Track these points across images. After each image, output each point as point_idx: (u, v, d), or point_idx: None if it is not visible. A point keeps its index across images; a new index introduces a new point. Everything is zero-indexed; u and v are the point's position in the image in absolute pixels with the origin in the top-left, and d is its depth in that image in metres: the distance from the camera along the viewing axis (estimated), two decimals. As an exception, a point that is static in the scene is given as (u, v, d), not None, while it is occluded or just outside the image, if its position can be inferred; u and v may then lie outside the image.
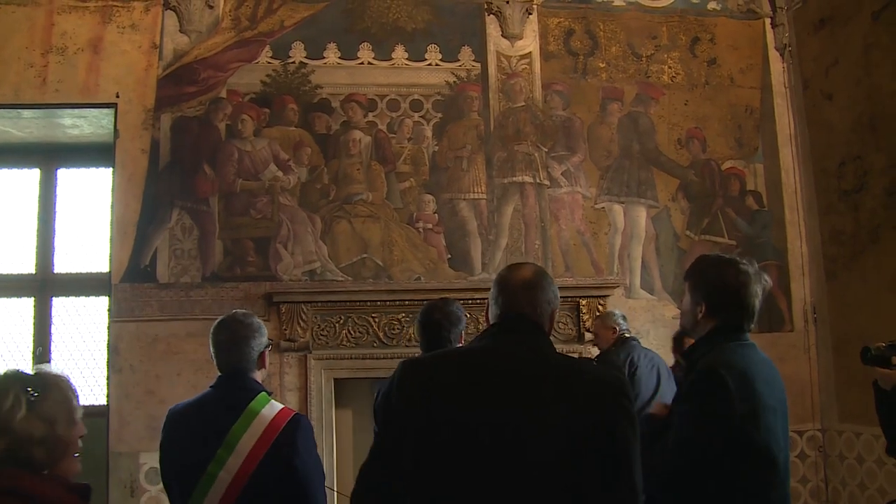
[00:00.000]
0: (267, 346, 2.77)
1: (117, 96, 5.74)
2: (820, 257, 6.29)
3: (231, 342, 2.68)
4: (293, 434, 2.52)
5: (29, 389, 1.68)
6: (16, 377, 1.70)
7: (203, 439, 2.53)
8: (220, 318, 2.79)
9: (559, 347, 5.68)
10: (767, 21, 6.57)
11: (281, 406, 2.64)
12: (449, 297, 5.41)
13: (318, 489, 2.47)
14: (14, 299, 6.41)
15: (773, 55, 6.55)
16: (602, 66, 6.31)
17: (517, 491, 1.78)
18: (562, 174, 6.09)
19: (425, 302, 5.33)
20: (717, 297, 2.49)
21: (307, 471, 2.47)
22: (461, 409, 1.85)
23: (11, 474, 1.63)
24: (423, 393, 1.90)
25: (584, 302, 5.79)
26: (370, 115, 5.98)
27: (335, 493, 5.30)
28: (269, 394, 2.70)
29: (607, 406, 1.85)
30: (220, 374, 2.71)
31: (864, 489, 5.69)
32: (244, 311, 2.86)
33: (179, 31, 5.86)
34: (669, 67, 6.40)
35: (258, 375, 2.72)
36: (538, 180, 6.04)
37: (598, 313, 5.64)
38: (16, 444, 1.63)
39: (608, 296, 5.88)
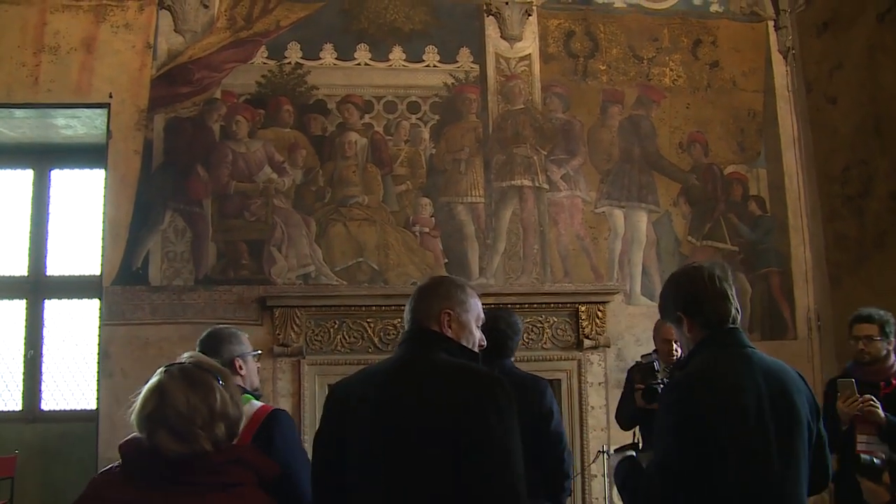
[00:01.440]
0: (240, 355, 2.95)
1: (110, 96, 5.67)
2: (824, 263, 6.19)
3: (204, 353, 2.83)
4: (270, 427, 2.64)
5: (219, 378, 1.88)
6: (204, 368, 1.89)
7: None
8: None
9: (557, 354, 5.64)
10: (770, 23, 6.48)
11: (260, 404, 2.76)
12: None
13: (302, 476, 2.48)
14: (6, 301, 6.33)
15: (777, 58, 6.46)
16: (602, 68, 6.22)
17: (408, 497, 1.95)
18: (561, 178, 6.00)
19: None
20: (683, 304, 2.44)
21: (286, 459, 2.50)
22: (361, 422, 2.04)
23: (236, 448, 1.89)
24: (334, 413, 2.14)
25: (583, 308, 5.70)
26: (367, 116, 5.90)
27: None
28: (258, 396, 2.89)
29: (474, 402, 1.97)
30: None
31: None
32: (226, 326, 3.12)
33: (174, 30, 5.78)
34: (671, 70, 6.31)
35: (237, 381, 2.83)
36: (537, 184, 5.94)
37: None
38: (230, 427, 1.86)
39: (608, 302, 5.78)
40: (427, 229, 5.78)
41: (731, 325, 2.39)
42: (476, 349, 2.21)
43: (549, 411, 3.36)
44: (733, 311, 2.39)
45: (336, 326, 5.55)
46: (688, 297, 2.43)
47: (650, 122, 6.21)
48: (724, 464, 2.23)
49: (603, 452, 5.41)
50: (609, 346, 5.76)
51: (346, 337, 5.55)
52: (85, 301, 6.25)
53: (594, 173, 6.07)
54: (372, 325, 5.56)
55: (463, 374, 2.06)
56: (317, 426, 2.23)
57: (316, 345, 5.52)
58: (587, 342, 5.69)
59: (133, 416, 1.85)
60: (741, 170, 6.28)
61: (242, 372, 2.93)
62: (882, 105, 5.61)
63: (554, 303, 5.68)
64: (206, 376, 1.87)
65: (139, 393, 1.86)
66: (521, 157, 5.96)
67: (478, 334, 2.23)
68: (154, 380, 1.86)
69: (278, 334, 5.48)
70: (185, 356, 1.95)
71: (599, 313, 5.72)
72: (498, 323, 3.46)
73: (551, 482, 3.34)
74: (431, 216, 5.81)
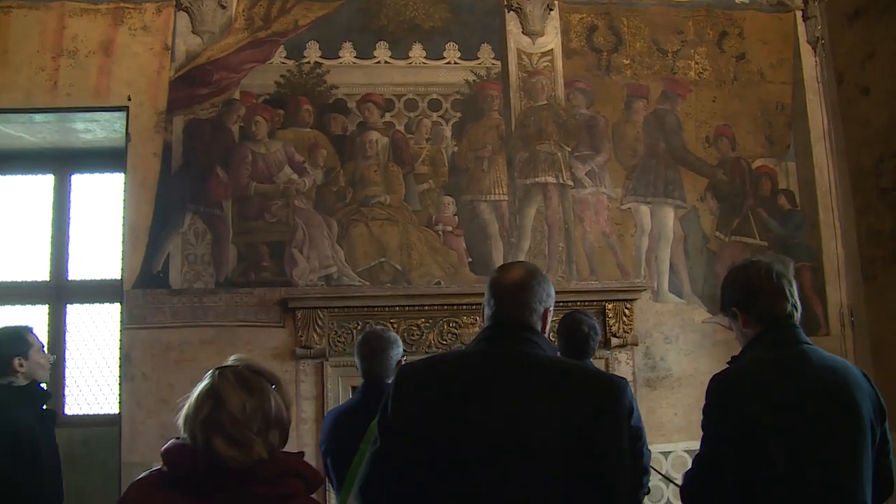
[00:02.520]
0: (403, 356, 3.42)
1: (129, 99, 5.63)
2: (857, 258, 5.98)
3: (371, 353, 3.35)
4: None
5: (272, 383, 1.85)
6: (257, 371, 1.84)
7: (356, 434, 2.81)
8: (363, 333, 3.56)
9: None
10: (798, 14, 6.33)
11: None
12: (469, 301, 5.33)
13: None
14: (29, 307, 6.31)
15: (805, 49, 6.31)
16: (626, 62, 6.11)
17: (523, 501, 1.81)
18: (586, 174, 5.89)
19: (445, 304, 5.16)
20: (738, 298, 2.43)
21: None
22: (452, 416, 1.87)
23: (290, 458, 1.84)
24: (430, 400, 1.93)
25: (610, 306, 5.59)
26: (387, 115, 5.82)
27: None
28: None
29: (592, 415, 1.86)
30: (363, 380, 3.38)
31: None
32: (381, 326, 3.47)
33: (192, 32, 5.74)
34: (696, 63, 6.18)
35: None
36: (561, 181, 5.84)
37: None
38: (283, 433, 1.83)
39: (635, 299, 5.67)
40: (450, 228, 5.69)
41: (788, 321, 2.34)
42: None
43: (630, 407, 3.40)
44: (789, 307, 2.34)
45: (359, 328, 5.45)
46: (742, 291, 2.41)
47: (676, 116, 6.08)
48: (767, 461, 2.18)
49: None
50: (637, 345, 5.65)
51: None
52: (106, 305, 6.21)
53: (619, 169, 5.95)
54: (395, 325, 5.47)
55: (589, 376, 1.99)
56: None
57: (339, 346, 5.45)
58: (615, 340, 5.57)
59: (182, 420, 1.79)
60: (770, 164, 6.14)
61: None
62: (917, 94, 5.46)
63: (580, 301, 5.54)
64: (261, 380, 1.82)
65: (188, 397, 1.81)
66: (544, 154, 5.86)
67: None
68: (206, 383, 1.80)
69: (300, 336, 5.42)
70: (232, 359, 1.90)
71: (627, 311, 5.61)
72: (581, 325, 3.64)
73: (631, 478, 3.36)
74: (454, 215, 5.71)
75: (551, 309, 2.08)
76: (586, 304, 5.57)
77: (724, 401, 2.26)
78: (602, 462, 1.84)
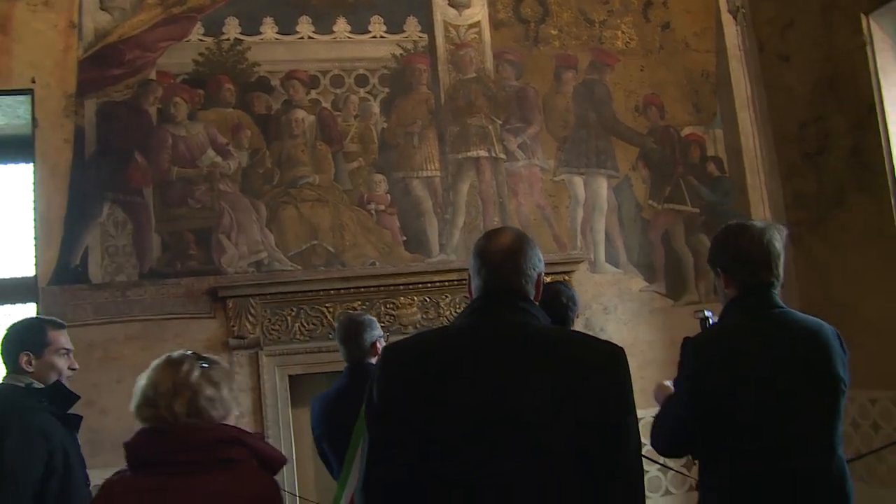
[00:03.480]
0: (379, 338, 3.56)
1: (33, 81, 5.25)
2: (784, 221, 6.15)
3: (348, 337, 3.53)
4: None
5: (201, 362, 2.04)
6: (187, 354, 2.07)
7: (347, 414, 2.81)
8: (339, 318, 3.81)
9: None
10: (719, -17, 6.38)
11: None
12: (405, 280, 5.21)
13: None
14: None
15: (727, 18, 6.37)
16: (554, 33, 6.04)
17: (516, 479, 1.68)
18: (518, 147, 5.81)
19: (381, 286, 5.00)
20: (724, 262, 2.50)
21: None
22: (439, 393, 1.74)
23: (229, 428, 1.99)
24: (411, 380, 1.79)
25: (547, 278, 5.44)
26: (313, 92, 5.61)
27: (297, 498, 4.96)
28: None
29: (599, 380, 1.75)
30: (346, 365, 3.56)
31: (883, 460, 5.48)
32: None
33: (100, 7, 5.38)
34: (623, 33, 6.17)
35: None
36: (494, 154, 5.75)
37: None
38: (194, 398, 1.95)
39: (573, 271, 5.65)
40: (383, 207, 5.54)
41: (767, 290, 2.39)
42: None
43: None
44: (772, 278, 2.39)
45: (294, 314, 5.28)
46: (729, 256, 2.45)
47: (605, 86, 6.06)
48: (734, 432, 2.27)
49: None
50: (577, 316, 5.59)
51: (305, 324, 5.29)
52: (20, 305, 5.82)
53: (551, 141, 5.90)
54: (331, 309, 5.31)
55: (592, 345, 1.86)
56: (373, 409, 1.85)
57: (273, 335, 5.25)
58: (555, 314, 5.52)
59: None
60: (698, 131, 6.19)
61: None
62: (836, 62, 5.57)
63: (519, 276, 5.48)
64: (188, 358, 2.04)
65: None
66: (475, 128, 5.76)
67: None
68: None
69: (233, 326, 5.19)
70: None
71: (565, 283, 5.56)
72: (559, 296, 3.57)
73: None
74: (386, 193, 5.56)
75: (543, 274, 1.97)
76: (525, 278, 5.51)
77: (696, 367, 2.34)
78: (611, 437, 1.73)
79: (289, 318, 5.27)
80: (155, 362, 2.06)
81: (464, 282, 5.39)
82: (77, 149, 5.25)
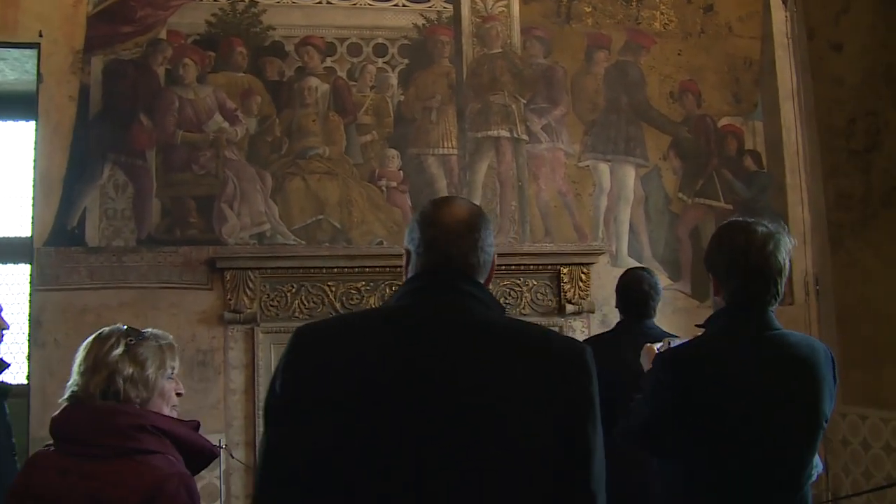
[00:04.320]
0: None
1: (40, 35, 5.08)
2: (824, 223, 5.73)
3: None
4: None
5: (129, 338, 1.92)
6: (121, 329, 1.96)
7: None
8: None
9: (537, 320, 5.18)
10: (769, -35, 5.98)
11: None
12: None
13: None
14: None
15: (775, 2, 5.98)
16: (588, 10, 5.71)
17: (455, 499, 1.34)
18: (542, 128, 5.51)
19: (387, 266, 4.96)
20: (717, 266, 2.19)
21: None
22: (365, 390, 1.38)
23: (148, 415, 1.87)
24: (327, 371, 1.41)
25: (565, 270, 5.24)
26: (328, 60, 5.38)
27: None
28: None
29: (563, 388, 1.42)
30: None
31: (870, 477, 5.18)
32: None
33: (112, -39, 5.19)
34: (662, 14, 5.81)
35: None
36: (515, 135, 5.46)
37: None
38: (112, 377, 1.86)
39: (592, 263, 5.34)
40: (394, 184, 5.28)
41: (761, 308, 2.09)
42: None
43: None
44: (768, 296, 2.09)
45: (294, 290, 5.05)
46: (724, 262, 2.14)
47: (639, 69, 5.72)
48: (712, 458, 2.05)
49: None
50: (593, 312, 5.31)
51: (305, 302, 5.05)
52: (14, 265, 5.68)
53: (578, 124, 5.58)
54: (333, 288, 5.06)
55: (555, 342, 1.50)
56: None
57: (272, 311, 5.02)
58: (570, 307, 5.23)
59: None
60: (736, 122, 5.82)
61: None
62: (893, 51, 5.15)
63: (533, 264, 5.21)
64: (117, 333, 1.93)
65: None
66: (497, 106, 5.47)
67: None
68: None
69: (229, 299, 4.98)
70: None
71: (583, 276, 5.27)
72: (641, 283, 3.39)
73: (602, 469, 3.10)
74: (399, 169, 5.32)
75: (495, 263, 1.61)
76: (540, 267, 5.24)
77: (675, 384, 2.07)
78: (571, 454, 1.40)
79: (288, 294, 5.05)
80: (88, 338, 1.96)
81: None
82: (81, 107, 5.08)
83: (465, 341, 1.42)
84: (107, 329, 1.98)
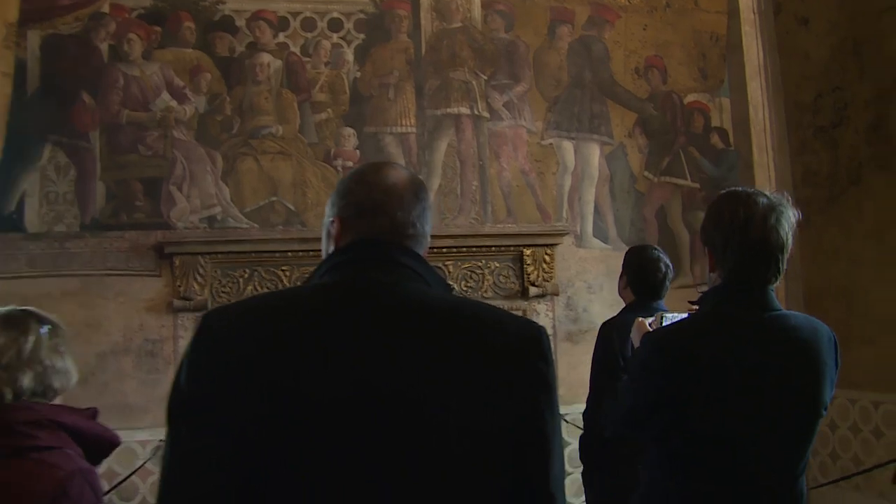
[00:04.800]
0: None
1: (-30, 6, 4.80)
2: (792, 201, 5.63)
3: None
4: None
5: (42, 323, 1.79)
6: (27, 313, 1.81)
7: None
8: None
9: (499, 304, 5.02)
10: (735, -63, 5.84)
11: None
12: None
13: None
14: None
15: (742, -24, 5.83)
16: (550, -17, 5.53)
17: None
18: (503, 105, 5.33)
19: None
20: (713, 239, 2.01)
21: None
22: (302, 382, 1.16)
23: (52, 409, 1.72)
24: (241, 360, 1.17)
25: (528, 251, 5.08)
26: (281, 35, 5.16)
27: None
28: None
29: (517, 374, 1.23)
30: None
31: (836, 458, 5.10)
32: None
33: (48, -71, 4.92)
34: (626, -13, 5.64)
35: None
36: (476, 112, 5.28)
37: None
38: (43, 373, 1.74)
39: (556, 244, 5.18)
40: (350, 163, 5.07)
41: (761, 287, 1.93)
42: None
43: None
44: (769, 275, 1.92)
45: (246, 276, 4.85)
46: (722, 236, 1.95)
47: (603, 44, 5.55)
48: (702, 433, 1.89)
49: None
50: (557, 294, 5.16)
51: (259, 287, 4.85)
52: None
53: (540, 101, 5.41)
54: (288, 273, 4.86)
55: (507, 323, 1.29)
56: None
57: (223, 297, 4.81)
58: (533, 290, 5.08)
59: None
60: (703, 99, 5.69)
61: None
62: (862, 24, 5.06)
63: (495, 246, 5.05)
64: (29, 319, 1.79)
65: None
66: (457, 82, 5.28)
67: None
68: None
69: (179, 286, 4.76)
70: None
71: (547, 257, 5.11)
72: (659, 264, 3.22)
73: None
74: (356, 149, 5.12)
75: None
76: (502, 249, 5.07)
77: (662, 368, 1.91)
78: (526, 452, 1.23)
79: (241, 280, 4.84)
80: None
81: (436, 250, 4.95)
82: (18, 84, 4.81)
83: (402, 327, 1.22)
84: (12, 311, 1.83)
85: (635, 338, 2.46)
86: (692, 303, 2.16)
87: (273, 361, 1.17)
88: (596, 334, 5.18)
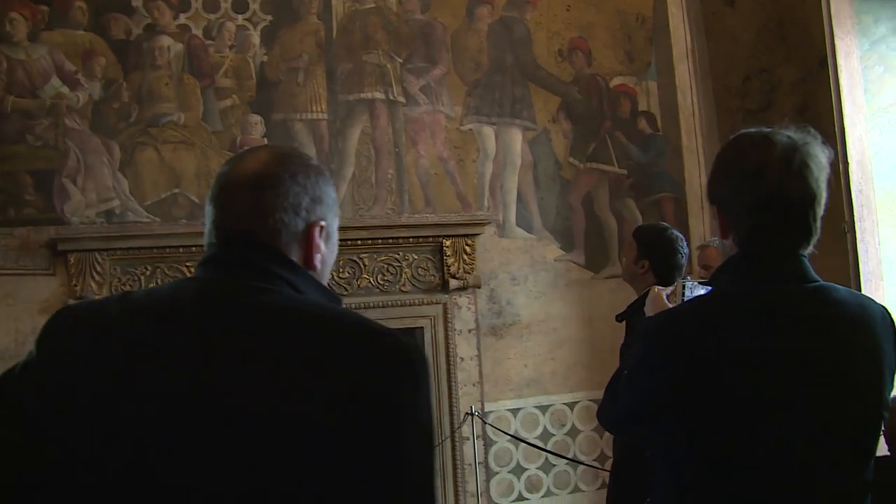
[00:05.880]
0: None
1: None
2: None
3: None
4: None
5: None
6: None
7: None
8: None
9: (419, 298, 4.81)
10: (659, -85, 5.69)
11: None
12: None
13: None
14: None
15: (667, -45, 5.69)
16: (469, -39, 5.33)
17: None
18: (420, 90, 5.12)
19: None
20: (723, 195, 1.58)
21: None
22: (139, 386, 1.11)
23: None
24: (68, 365, 1.16)
25: (447, 242, 4.90)
26: (181, 16, 4.86)
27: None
28: None
29: (371, 391, 1.09)
30: None
31: None
32: None
33: None
34: (549, -35, 5.46)
35: None
36: (391, 97, 5.06)
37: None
38: None
39: (478, 234, 5.01)
40: (258, 153, 4.80)
41: (790, 252, 1.52)
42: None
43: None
44: (800, 233, 1.51)
45: (148, 273, 4.59)
46: (729, 184, 1.55)
47: (525, 25, 5.37)
48: (733, 439, 1.46)
49: (472, 414, 4.66)
50: (479, 287, 4.98)
51: (162, 285, 4.55)
52: None
53: (459, 85, 5.20)
54: (192, 269, 4.54)
55: (358, 331, 1.14)
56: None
57: (123, 297, 4.51)
58: (454, 282, 4.89)
59: None
60: (629, 82, 5.55)
61: None
62: (786, 5, 4.95)
63: (413, 237, 4.85)
64: None
65: None
66: (371, 66, 5.06)
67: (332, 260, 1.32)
68: None
69: (75, 285, 4.48)
70: None
71: (467, 248, 4.93)
72: (683, 242, 2.98)
73: None
74: (263, 137, 4.86)
75: (328, 224, 1.25)
76: (420, 240, 4.87)
77: (668, 363, 1.49)
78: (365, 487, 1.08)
79: (142, 277, 4.59)
80: None
81: (350, 242, 4.71)
82: None
83: (224, 342, 1.11)
84: None
85: (650, 311, 2.19)
86: (703, 282, 1.81)
87: (118, 368, 1.13)
88: (521, 328, 5.06)
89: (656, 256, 2.92)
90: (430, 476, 1.14)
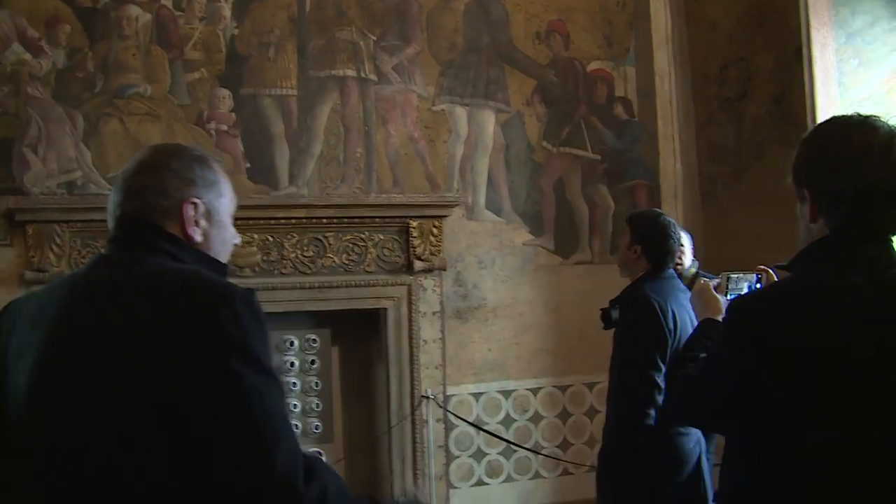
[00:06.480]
0: None
1: None
2: (696, 176, 5.48)
3: None
4: None
5: None
6: None
7: None
8: None
9: (384, 279, 4.76)
10: None
11: None
12: (245, 215, 4.42)
13: None
14: None
15: (649, -61, 5.61)
16: (444, -61, 5.22)
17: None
18: (393, 68, 5.03)
19: None
20: (814, 178, 1.55)
21: None
22: (23, 364, 1.33)
23: None
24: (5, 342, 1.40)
25: (414, 224, 4.83)
26: (151, -15, 4.77)
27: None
28: None
29: (199, 332, 1.22)
30: None
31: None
32: None
33: None
34: (529, -54, 5.37)
35: None
36: (363, 74, 4.97)
37: None
38: None
39: (445, 216, 4.95)
40: (225, 127, 4.76)
41: (878, 234, 1.51)
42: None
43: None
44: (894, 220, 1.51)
45: (109, 246, 4.48)
46: (823, 166, 1.52)
47: (502, 6, 5.28)
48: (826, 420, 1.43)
49: (428, 398, 4.63)
50: (445, 269, 4.93)
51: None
52: None
53: (433, 64, 5.12)
54: (153, 244, 4.51)
55: (186, 285, 1.30)
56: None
57: (82, 269, 4.45)
58: (419, 264, 4.83)
59: None
60: (607, 67, 5.47)
61: None
62: (765, -7, 4.89)
63: (380, 217, 4.80)
64: None
65: None
66: (344, 43, 4.96)
67: (232, 238, 1.53)
68: None
69: (32, 257, 4.39)
70: None
71: (434, 230, 4.87)
72: (675, 228, 2.99)
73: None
74: (231, 111, 4.78)
75: (208, 203, 1.45)
76: (387, 220, 4.82)
77: (758, 346, 1.46)
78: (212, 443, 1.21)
79: (103, 250, 4.45)
80: None
81: (316, 220, 4.66)
82: None
83: (94, 296, 1.34)
84: None
85: (697, 305, 2.20)
86: (780, 267, 1.71)
87: (24, 341, 1.34)
88: (487, 312, 5.01)
89: (649, 242, 2.94)
90: (273, 404, 1.21)
